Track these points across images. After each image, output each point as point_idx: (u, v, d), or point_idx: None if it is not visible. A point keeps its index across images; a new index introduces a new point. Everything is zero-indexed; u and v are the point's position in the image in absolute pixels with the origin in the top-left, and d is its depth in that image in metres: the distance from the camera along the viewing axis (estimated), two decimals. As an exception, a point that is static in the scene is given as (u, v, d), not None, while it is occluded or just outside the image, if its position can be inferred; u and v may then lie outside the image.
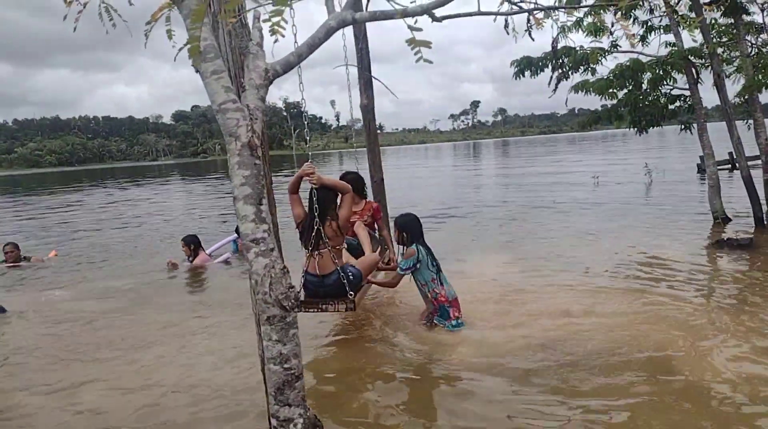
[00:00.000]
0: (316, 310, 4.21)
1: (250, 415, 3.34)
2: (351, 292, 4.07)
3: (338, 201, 4.33)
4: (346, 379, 3.84)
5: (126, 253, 9.57)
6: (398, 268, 4.66)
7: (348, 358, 4.20)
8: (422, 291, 4.71)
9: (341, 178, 5.31)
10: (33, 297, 6.65)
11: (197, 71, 2.33)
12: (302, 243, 4.26)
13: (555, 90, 7.50)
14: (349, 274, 4.23)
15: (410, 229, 4.68)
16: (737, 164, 8.49)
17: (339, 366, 4.07)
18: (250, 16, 2.68)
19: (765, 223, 8.10)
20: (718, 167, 8.87)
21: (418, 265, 4.58)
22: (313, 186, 4.05)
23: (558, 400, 3.29)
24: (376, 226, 5.48)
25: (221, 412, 3.44)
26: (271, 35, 1.96)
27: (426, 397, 3.51)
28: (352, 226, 5.17)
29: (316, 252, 4.18)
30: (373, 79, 7.03)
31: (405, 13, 2.32)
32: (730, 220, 8.53)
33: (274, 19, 1.88)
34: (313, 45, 2.51)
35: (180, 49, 2.65)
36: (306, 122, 3.83)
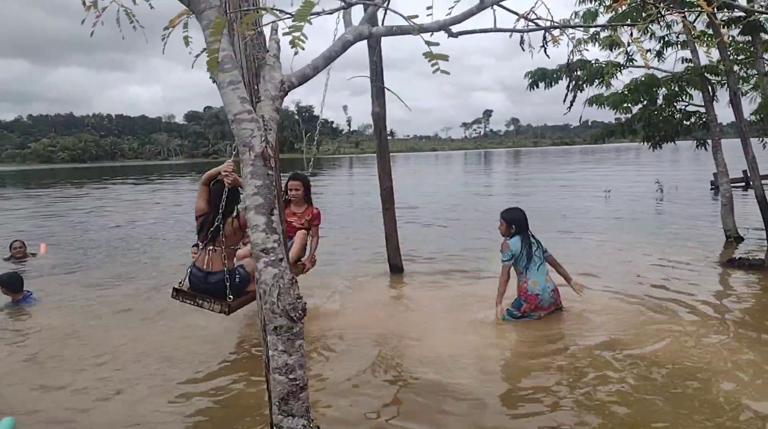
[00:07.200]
0: (191, 303, 4.27)
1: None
2: (230, 296, 4.15)
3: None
4: (351, 390, 3.82)
5: (131, 251, 9.63)
6: (502, 261, 5.06)
7: (353, 369, 4.18)
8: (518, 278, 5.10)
9: (290, 179, 5.35)
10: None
11: (214, 82, 2.35)
12: (198, 236, 4.35)
13: (570, 108, 7.49)
14: (236, 277, 4.30)
15: (516, 222, 5.08)
16: (751, 183, 8.40)
17: (344, 377, 4.05)
18: (267, 26, 2.70)
19: (778, 243, 7.99)
20: (732, 185, 8.77)
21: (512, 260, 5.01)
22: (228, 185, 4.12)
23: (572, 415, 3.26)
24: (311, 231, 5.47)
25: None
26: (292, 47, 1.97)
27: (437, 409, 3.48)
28: (291, 229, 5.23)
29: (210, 247, 4.28)
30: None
31: (422, 29, 2.33)
32: (742, 239, 8.43)
33: (295, 34, 1.89)
34: (329, 58, 2.52)
35: (197, 56, 2.67)
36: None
